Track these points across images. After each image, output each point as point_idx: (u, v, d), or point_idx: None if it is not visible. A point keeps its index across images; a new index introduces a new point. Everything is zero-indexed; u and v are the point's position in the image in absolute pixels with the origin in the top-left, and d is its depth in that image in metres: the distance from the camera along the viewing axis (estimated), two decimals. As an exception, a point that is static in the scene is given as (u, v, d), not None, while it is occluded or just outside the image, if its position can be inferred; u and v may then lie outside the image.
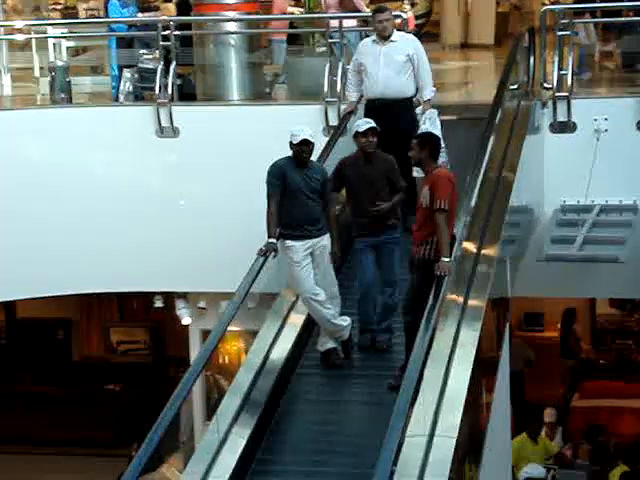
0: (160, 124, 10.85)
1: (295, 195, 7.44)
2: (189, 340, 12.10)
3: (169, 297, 12.49)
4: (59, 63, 11.62)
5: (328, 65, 10.50)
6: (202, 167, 10.91)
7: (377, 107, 9.00)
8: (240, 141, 10.72)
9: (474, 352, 6.79)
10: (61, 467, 13.22)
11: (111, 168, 11.00)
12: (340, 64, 10.41)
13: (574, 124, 10.46)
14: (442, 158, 7.88)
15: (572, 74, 10.41)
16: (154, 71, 10.94)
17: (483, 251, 7.90)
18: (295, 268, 7.52)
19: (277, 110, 11.22)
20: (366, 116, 8.68)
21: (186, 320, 12.10)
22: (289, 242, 7.50)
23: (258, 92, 11.52)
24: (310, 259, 7.52)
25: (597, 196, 10.41)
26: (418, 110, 9.08)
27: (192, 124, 10.97)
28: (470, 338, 6.94)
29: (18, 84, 12.77)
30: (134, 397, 15.36)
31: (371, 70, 9.08)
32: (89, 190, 10.94)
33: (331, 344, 7.70)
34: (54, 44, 12.16)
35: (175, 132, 10.88)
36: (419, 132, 8.00)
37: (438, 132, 8.25)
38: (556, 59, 10.44)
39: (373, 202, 7.64)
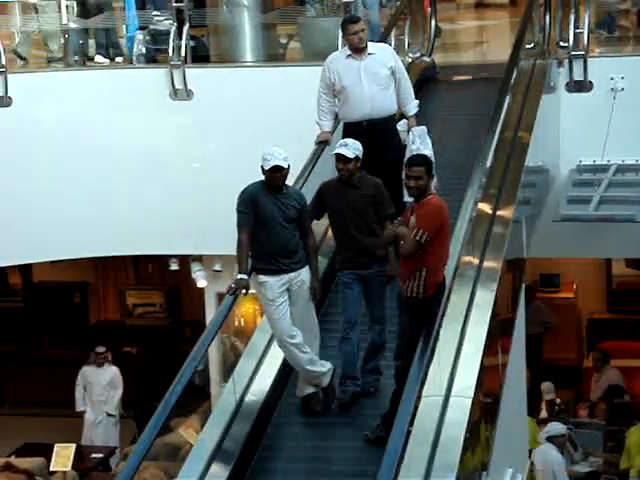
0: (174, 86, 10.83)
1: (268, 225, 6.56)
2: (204, 303, 12.13)
3: (184, 260, 12.50)
4: (72, 25, 11.58)
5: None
6: (216, 129, 10.90)
7: (363, 130, 7.75)
8: (254, 102, 10.68)
9: (490, 313, 6.78)
10: (78, 429, 13.32)
11: (125, 131, 10.98)
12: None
13: (590, 83, 10.39)
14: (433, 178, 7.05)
15: (588, 32, 10.33)
16: (167, 33, 10.89)
17: (499, 212, 7.87)
18: (269, 307, 6.64)
19: (291, 71, 11.15)
20: None
21: (202, 283, 12.13)
22: (262, 277, 6.63)
23: (272, 53, 11.45)
24: (286, 296, 6.64)
25: (613, 156, 10.35)
26: (399, 126, 7.99)
27: (206, 86, 10.94)
28: (486, 299, 6.93)
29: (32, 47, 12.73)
30: (150, 359, 15.43)
31: (353, 90, 7.80)
32: (104, 153, 10.94)
33: (311, 389, 6.85)
34: (67, 6, 12.09)
35: (189, 94, 10.85)
36: (414, 154, 7.06)
37: (430, 151, 7.58)
38: (572, 17, 10.34)
39: (359, 231, 6.79)
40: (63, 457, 11.36)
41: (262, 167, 6.58)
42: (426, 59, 11.37)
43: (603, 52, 11.01)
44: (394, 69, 7.90)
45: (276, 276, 6.60)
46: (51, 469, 11.52)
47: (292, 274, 6.63)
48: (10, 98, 10.72)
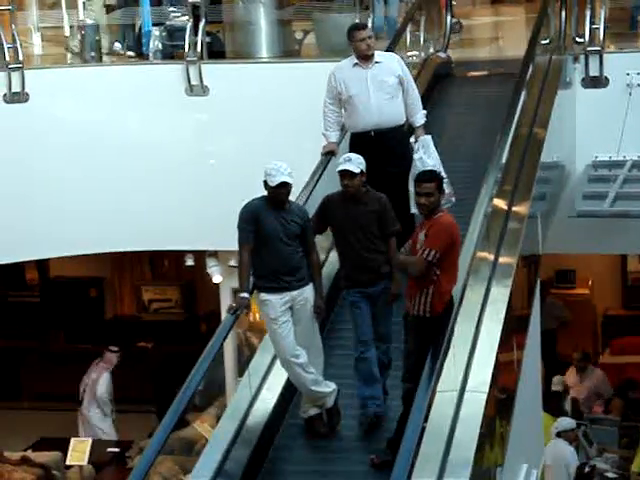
0: (190, 82, 10.84)
1: (270, 241, 6.40)
2: (220, 298, 12.17)
3: (200, 255, 12.54)
4: (89, 22, 11.62)
5: (357, 20, 10.42)
6: (232, 125, 10.91)
7: (371, 140, 7.67)
8: (269, 98, 10.70)
9: (505, 309, 6.79)
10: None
11: (141, 127, 11.01)
12: (370, 19, 10.31)
13: (606, 79, 10.36)
14: (446, 189, 6.99)
15: (604, 28, 10.30)
16: (183, 29, 10.92)
17: (514, 208, 7.87)
18: (272, 326, 6.48)
19: (307, 67, 11.16)
20: (355, 152, 7.17)
21: (217, 278, 12.16)
22: (264, 296, 6.47)
23: (287, 49, 11.47)
24: (289, 315, 6.47)
25: (629, 151, 10.33)
26: (412, 139, 7.86)
27: (221, 82, 10.95)
28: (501, 295, 6.93)
29: (48, 43, 12.78)
30: (166, 354, 15.48)
31: (360, 99, 7.67)
32: (119, 148, 10.97)
33: (315, 410, 6.70)
34: (84, 2, 12.14)
35: (204, 90, 10.86)
36: (423, 169, 6.94)
37: (434, 161, 7.55)
38: (588, 13, 10.32)
39: (363, 247, 6.64)
40: (79, 451, 11.40)
41: (265, 182, 6.43)
42: (442, 55, 11.36)
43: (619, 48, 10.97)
44: (402, 78, 7.75)
45: (279, 294, 6.44)
46: (67, 463, 11.57)
47: (295, 292, 6.47)
48: (27, 94, 10.76)
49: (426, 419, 5.68)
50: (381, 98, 7.66)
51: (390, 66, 7.76)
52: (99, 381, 13.09)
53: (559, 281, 15.51)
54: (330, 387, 6.64)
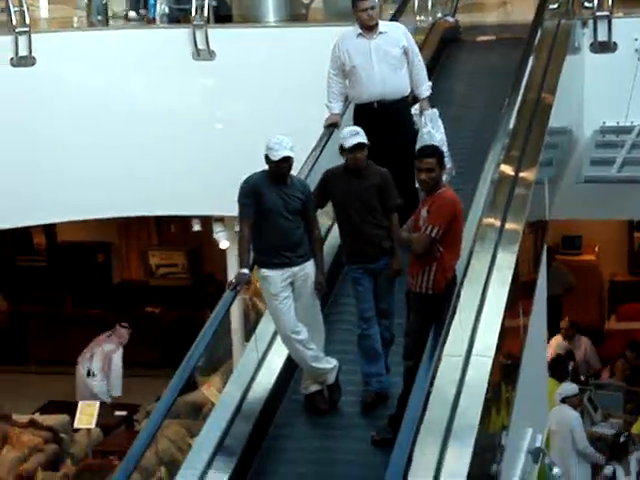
0: (196, 47, 10.81)
1: (271, 217, 6.32)
2: (226, 264, 12.19)
3: (207, 221, 12.55)
4: (96, -15, 11.58)
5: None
6: (239, 90, 10.88)
7: (374, 112, 7.58)
8: (277, 63, 10.66)
9: (511, 274, 6.80)
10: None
11: (147, 92, 10.99)
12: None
13: (615, 44, 10.31)
14: (447, 164, 6.96)
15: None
16: (189, -8, 10.87)
17: (521, 173, 7.86)
18: (272, 301, 6.42)
19: (315, 32, 11.11)
20: (358, 124, 7.24)
21: (224, 244, 12.17)
22: (265, 271, 6.40)
23: (294, 13, 11.41)
24: (290, 290, 6.39)
25: (637, 117, 10.29)
26: (413, 110, 7.75)
27: (228, 46, 10.91)
28: (507, 260, 6.94)
29: (56, 6, 12.74)
30: (173, 319, 15.55)
31: (364, 69, 7.56)
32: (126, 113, 10.95)
33: (316, 387, 6.64)
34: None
35: (211, 55, 10.83)
36: (424, 145, 6.80)
37: (442, 134, 7.49)
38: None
39: (364, 221, 6.55)
40: (87, 414, 11.47)
41: (267, 157, 6.32)
42: (449, 19, 11.30)
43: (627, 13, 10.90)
44: (407, 49, 7.62)
45: (279, 270, 6.36)
46: (75, 426, 11.64)
47: (296, 268, 6.38)
48: (34, 58, 10.73)
49: (431, 384, 5.69)
50: (385, 69, 7.55)
51: (395, 37, 7.64)
52: (115, 355, 13.13)
53: (565, 247, 15.51)
54: (331, 363, 6.58)
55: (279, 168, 6.31)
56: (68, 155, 10.90)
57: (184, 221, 14.69)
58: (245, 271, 6.36)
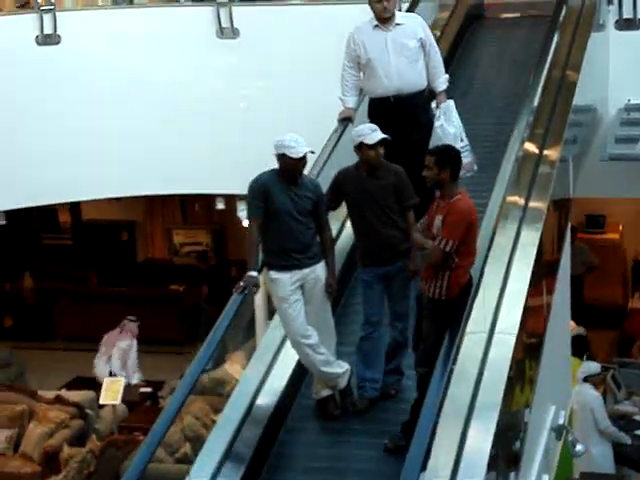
0: (220, 25, 10.81)
1: (280, 218, 6.10)
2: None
3: (230, 199, 12.59)
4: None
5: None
6: (262, 68, 10.88)
7: (390, 106, 7.34)
8: (300, 42, 10.65)
9: (535, 252, 6.79)
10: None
11: (171, 70, 11.01)
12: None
13: (640, 21, 10.25)
14: (466, 158, 6.87)
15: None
16: (213, -29, 10.86)
17: (545, 151, 7.84)
18: (282, 305, 6.19)
19: (340, 10, 11.09)
20: (373, 119, 7.17)
21: (247, 222, 12.17)
22: (274, 274, 6.18)
23: (319, -9, 11.39)
24: (300, 294, 6.18)
25: (663, 95, 10.24)
26: (434, 104, 7.52)
27: (252, 25, 10.90)
28: (531, 239, 6.93)
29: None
30: (197, 298, 15.63)
31: (379, 62, 7.32)
32: (150, 92, 10.98)
33: (327, 391, 6.43)
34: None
35: (235, 33, 10.83)
36: (436, 145, 6.58)
37: (455, 129, 7.23)
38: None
39: (380, 222, 6.33)
40: (112, 391, 11.55)
41: (283, 155, 6.07)
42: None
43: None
44: (423, 41, 7.37)
45: (289, 272, 6.14)
46: (100, 402, 11.74)
47: (306, 270, 6.17)
48: (59, 36, 10.77)
49: (455, 361, 5.68)
50: (401, 62, 7.32)
51: (412, 28, 7.39)
52: (131, 351, 13.15)
53: (589, 226, 15.46)
54: (343, 367, 6.39)
55: (297, 166, 6.10)
56: (93, 133, 10.94)
57: (208, 200, 14.74)
58: (253, 274, 6.13)
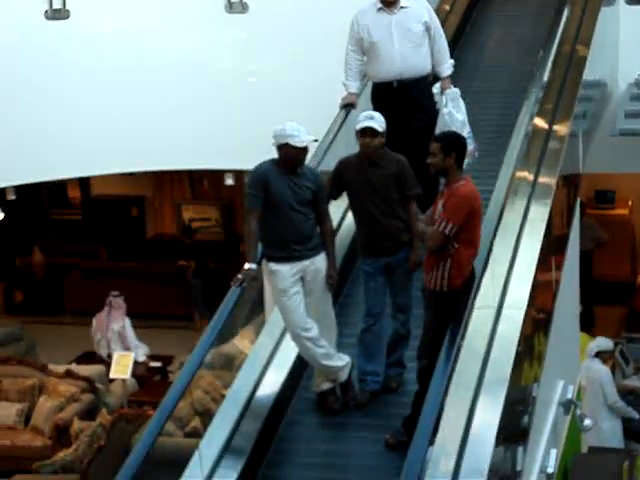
0: (229, -1, 10.80)
1: (280, 208, 5.95)
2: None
3: (240, 175, 12.59)
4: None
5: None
6: (271, 43, 10.86)
7: (393, 91, 7.20)
8: (310, 15, 10.62)
9: (544, 228, 6.80)
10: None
11: (181, 44, 10.98)
12: None
13: (651, -5, 10.21)
14: (469, 146, 6.72)
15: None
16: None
17: (555, 126, 7.83)
18: (281, 297, 6.05)
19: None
20: (376, 104, 7.13)
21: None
22: (273, 266, 6.05)
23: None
24: (300, 285, 6.04)
25: (673, 70, 10.20)
26: (434, 89, 7.34)
27: (261, -1, 10.89)
28: (540, 214, 6.93)
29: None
30: (206, 273, 15.67)
31: (383, 46, 7.17)
32: (159, 66, 10.96)
33: (327, 385, 6.31)
34: None
35: (244, 7, 10.81)
36: (442, 132, 6.52)
37: (463, 115, 7.12)
38: None
39: (382, 213, 6.21)
40: (122, 365, 11.59)
41: (284, 145, 5.93)
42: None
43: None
44: (428, 25, 7.22)
45: (288, 264, 6.00)
46: (110, 377, 11.79)
47: (306, 262, 6.03)
48: (68, 11, 10.76)
49: (463, 336, 5.68)
50: (406, 46, 7.16)
51: (416, 11, 7.23)
52: (126, 328, 13.10)
53: (598, 201, 15.42)
54: (343, 360, 6.26)
55: (299, 155, 5.96)
56: (102, 108, 10.94)
57: (217, 175, 14.75)
58: (252, 266, 5.99)
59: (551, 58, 8.17)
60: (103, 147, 11.04)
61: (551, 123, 7.81)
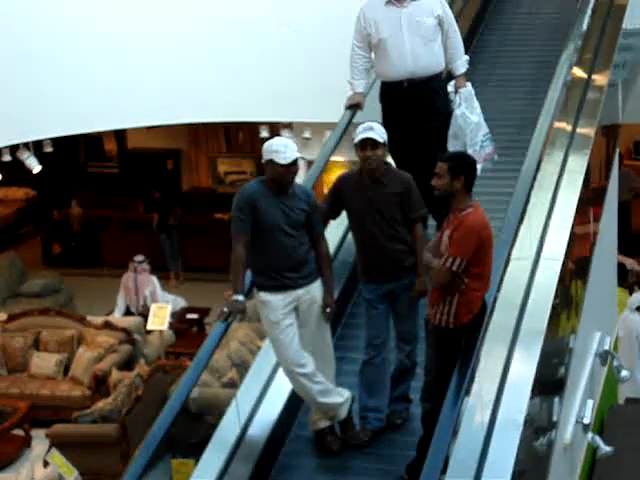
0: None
1: (270, 233, 5.38)
2: (295, 169, 12.21)
3: (274, 127, 12.57)
4: None
5: None
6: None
7: (404, 91, 6.58)
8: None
9: (582, 178, 6.74)
10: (174, 292, 13.74)
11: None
12: None
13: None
14: (488, 147, 6.40)
15: None
16: None
17: (594, 76, 7.74)
18: (273, 330, 5.46)
19: None
20: (385, 105, 6.64)
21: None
22: (264, 295, 5.45)
23: None
24: (293, 317, 5.47)
25: None
26: (449, 87, 6.74)
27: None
28: (578, 165, 6.88)
29: None
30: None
31: (392, 43, 6.53)
32: (193, 18, 10.96)
33: (325, 423, 5.72)
34: None
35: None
36: (450, 152, 5.99)
37: (478, 116, 6.56)
38: None
39: (384, 235, 5.62)
40: (159, 317, 11.68)
41: (270, 162, 5.37)
42: None
43: None
44: (441, 18, 6.57)
45: (281, 293, 5.42)
46: (148, 328, 11.91)
47: (300, 291, 5.45)
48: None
49: (499, 288, 5.61)
50: (417, 43, 6.54)
51: (428, 4, 6.58)
52: (156, 292, 13.13)
53: (638, 152, 15.26)
54: (343, 396, 5.68)
55: (288, 173, 5.38)
56: (138, 60, 10.96)
57: (252, 128, 14.73)
58: (240, 298, 5.35)
59: (590, 7, 8.05)
60: (139, 100, 11.06)
61: (590, 73, 7.72)
